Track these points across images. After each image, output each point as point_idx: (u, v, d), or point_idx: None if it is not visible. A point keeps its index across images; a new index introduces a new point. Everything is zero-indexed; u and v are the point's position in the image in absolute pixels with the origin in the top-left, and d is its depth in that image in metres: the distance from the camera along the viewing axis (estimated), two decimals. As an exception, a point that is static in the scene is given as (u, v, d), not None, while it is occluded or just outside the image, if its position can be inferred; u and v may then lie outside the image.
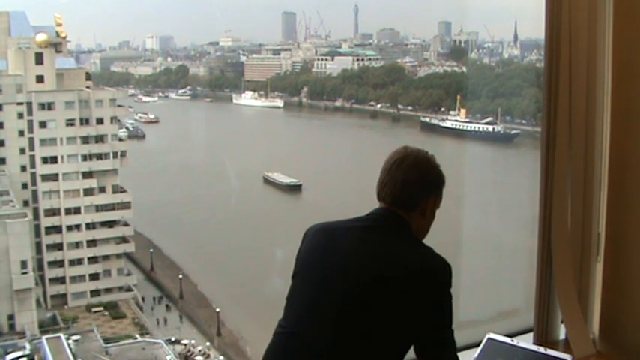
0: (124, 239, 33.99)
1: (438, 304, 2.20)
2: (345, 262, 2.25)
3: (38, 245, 31.88)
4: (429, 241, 2.38)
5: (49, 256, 32.42)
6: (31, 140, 32.41)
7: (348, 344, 2.18)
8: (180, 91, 50.30)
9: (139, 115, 45.62)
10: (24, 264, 28.51)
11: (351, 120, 45.68)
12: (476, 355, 2.70)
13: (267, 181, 38.79)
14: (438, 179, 2.40)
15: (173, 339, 29.00)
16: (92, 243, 33.22)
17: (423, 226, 2.39)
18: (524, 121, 36.41)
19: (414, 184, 2.34)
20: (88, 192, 33.22)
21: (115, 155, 33.61)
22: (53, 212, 32.67)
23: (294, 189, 37.61)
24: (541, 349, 2.67)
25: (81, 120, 33.10)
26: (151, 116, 46.16)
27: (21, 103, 32.22)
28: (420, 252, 2.26)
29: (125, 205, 33.76)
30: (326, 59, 48.27)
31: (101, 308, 31.80)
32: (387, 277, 2.19)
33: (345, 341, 2.18)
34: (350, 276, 2.22)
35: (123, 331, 29.99)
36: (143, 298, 32.74)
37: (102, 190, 33.48)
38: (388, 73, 46.15)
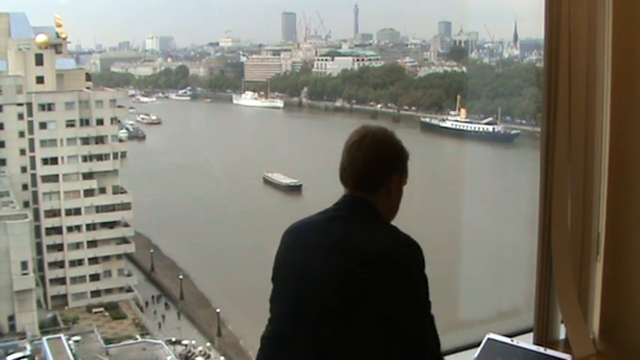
0: (124, 240, 33.97)
1: (411, 286, 2.15)
2: (318, 258, 2.21)
3: (38, 246, 31.86)
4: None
5: (49, 257, 32.42)
6: (31, 141, 32.40)
7: (333, 341, 2.14)
8: (180, 92, 50.31)
9: (142, 116, 45.66)
10: (24, 265, 28.49)
11: (351, 120, 45.58)
12: (476, 355, 2.70)
13: (267, 182, 38.77)
14: (400, 155, 2.33)
15: (174, 339, 28.99)
16: (92, 244, 33.20)
17: (391, 206, 2.32)
18: (524, 121, 36.39)
19: (374, 163, 2.28)
20: (89, 193, 33.21)
21: (115, 156, 33.59)
22: (53, 213, 32.66)
23: (294, 189, 37.56)
24: (541, 350, 2.67)
25: (81, 121, 33.09)
26: (153, 117, 46.18)
27: (21, 104, 32.22)
28: (389, 234, 2.20)
29: (125, 206, 33.75)
30: (326, 59, 48.25)
31: (101, 309, 31.79)
32: (361, 265, 2.13)
33: (330, 338, 2.14)
34: (326, 272, 2.18)
35: (123, 331, 29.99)
36: (147, 303, 32.72)
37: (102, 190, 33.47)
38: (388, 74, 46.13)
